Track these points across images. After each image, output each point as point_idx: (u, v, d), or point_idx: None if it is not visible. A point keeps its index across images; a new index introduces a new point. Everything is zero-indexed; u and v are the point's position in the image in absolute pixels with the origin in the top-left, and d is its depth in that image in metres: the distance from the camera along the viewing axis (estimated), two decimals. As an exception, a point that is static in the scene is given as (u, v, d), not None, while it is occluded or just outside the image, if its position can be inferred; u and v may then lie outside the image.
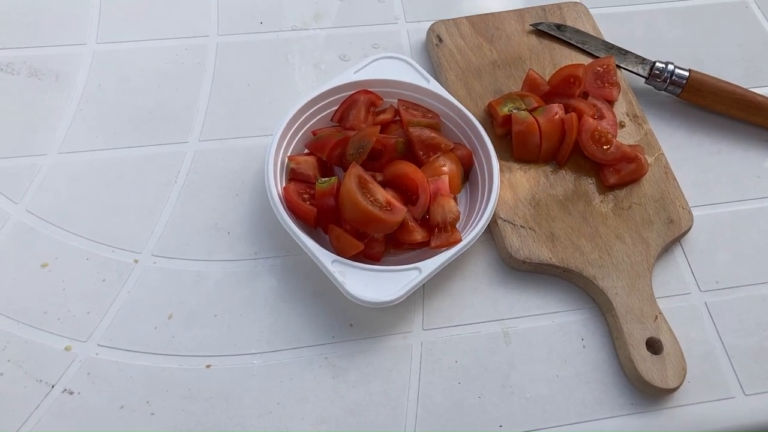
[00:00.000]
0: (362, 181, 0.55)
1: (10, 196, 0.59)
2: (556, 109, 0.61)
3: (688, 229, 0.60)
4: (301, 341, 0.54)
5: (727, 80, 0.67)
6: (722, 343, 0.56)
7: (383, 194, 0.55)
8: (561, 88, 0.64)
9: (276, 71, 0.68)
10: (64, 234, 0.57)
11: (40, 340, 0.52)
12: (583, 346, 0.55)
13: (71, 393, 0.51)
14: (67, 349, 0.52)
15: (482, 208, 0.57)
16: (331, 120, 0.63)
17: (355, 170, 0.54)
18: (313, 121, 0.62)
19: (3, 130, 0.62)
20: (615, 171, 0.60)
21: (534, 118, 0.60)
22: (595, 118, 0.62)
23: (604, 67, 0.66)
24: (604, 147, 0.60)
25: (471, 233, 0.55)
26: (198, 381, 0.52)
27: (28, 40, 0.68)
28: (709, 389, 0.54)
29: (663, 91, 0.68)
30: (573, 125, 0.60)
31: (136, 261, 0.56)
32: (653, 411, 0.53)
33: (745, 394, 0.54)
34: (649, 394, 0.53)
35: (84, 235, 0.57)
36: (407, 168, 0.57)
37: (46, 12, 0.70)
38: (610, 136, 0.60)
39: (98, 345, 0.53)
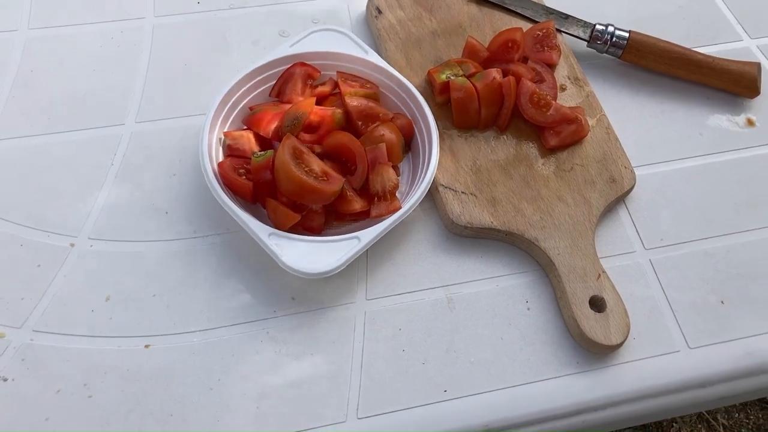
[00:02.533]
0: (297, 152, 0.54)
1: (-61, 185, 0.57)
2: (494, 74, 0.60)
3: (631, 188, 0.60)
4: (242, 317, 0.53)
5: (668, 40, 0.67)
6: (667, 298, 0.56)
7: (319, 164, 0.54)
8: (500, 54, 0.64)
9: (214, 50, 0.67)
10: (8, 223, 0.56)
11: (-28, 329, 0.51)
12: (528, 309, 0.55)
13: (5, 380, 0.49)
14: (1, 336, 0.51)
15: (422, 175, 0.57)
16: (270, 95, 0.62)
17: (289, 141, 0.54)
18: (251, 96, 0.61)
19: (-69, 119, 0.61)
20: (555, 133, 0.60)
21: (472, 83, 0.60)
22: (534, 82, 0.62)
23: (544, 31, 0.65)
24: (544, 109, 0.60)
25: (410, 201, 0.55)
26: (137, 362, 0.51)
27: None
28: (654, 345, 0.54)
29: (605, 54, 0.68)
30: (511, 89, 0.60)
31: (72, 245, 0.55)
32: (599, 369, 0.53)
33: (689, 347, 0.54)
34: (594, 351, 0.53)
35: (17, 221, 0.56)
36: (344, 138, 0.57)
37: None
38: (549, 98, 0.60)
39: (33, 331, 0.52)
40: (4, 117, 0.61)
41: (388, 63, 0.63)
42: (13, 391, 0.49)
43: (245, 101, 0.61)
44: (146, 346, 0.52)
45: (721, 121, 0.66)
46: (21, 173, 0.59)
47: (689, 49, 0.67)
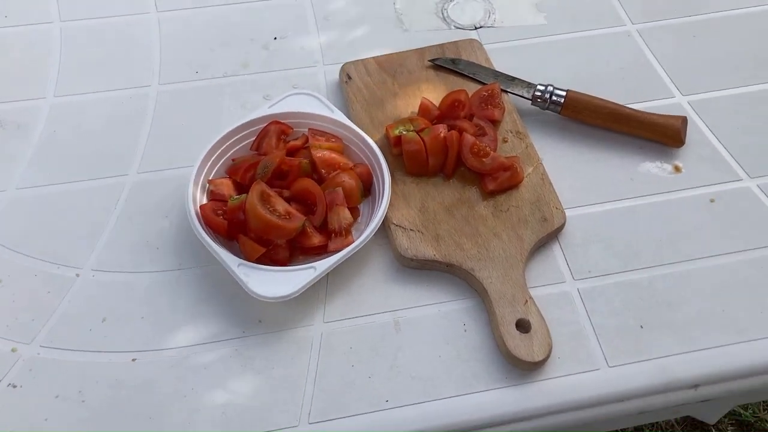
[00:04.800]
0: (264, 195, 0.64)
1: (-28, 226, 0.69)
2: (440, 129, 0.70)
3: (561, 226, 0.68)
4: (216, 337, 0.62)
5: (606, 98, 0.76)
6: (591, 322, 0.63)
7: (284, 206, 0.64)
8: (449, 112, 0.73)
9: (207, 112, 0.79)
10: (16, 255, 0.66)
11: (-10, 344, 0.61)
12: (465, 330, 0.63)
13: (14, 387, 0.59)
14: (13, 350, 0.61)
15: (374, 215, 0.66)
16: (250, 149, 0.72)
17: (258, 186, 0.64)
18: (234, 149, 0.72)
19: (-31, 172, 0.73)
20: (493, 179, 0.69)
21: (420, 137, 0.70)
22: (476, 136, 0.71)
23: (489, 92, 0.75)
24: (482, 159, 0.69)
25: (362, 236, 0.64)
26: (124, 372, 0.60)
27: (-4, 97, 0.79)
28: (576, 363, 0.61)
29: (547, 110, 0.77)
30: (454, 141, 0.69)
31: (77, 275, 0.66)
32: (526, 383, 0.60)
33: (609, 366, 0.61)
34: (520, 368, 0.60)
35: (33, 255, 0.67)
36: (307, 183, 0.66)
37: (15, 71, 0.82)
38: (487, 149, 0.69)
39: (40, 346, 0.61)
40: (29, 170, 0.73)
41: (355, 121, 0.74)
42: (21, 396, 0.58)
43: (229, 153, 0.71)
44: (133, 360, 0.61)
45: (651, 168, 0.74)
46: (39, 215, 0.70)
47: (621, 105, 0.76)
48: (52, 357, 0.61)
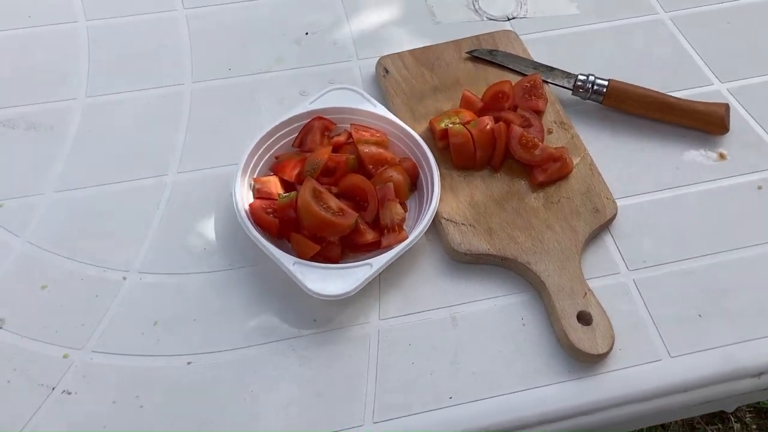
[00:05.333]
0: (316, 192, 0.63)
1: (13, 231, 0.67)
2: (487, 121, 0.69)
3: (613, 217, 0.67)
4: (271, 336, 0.61)
5: (645, 87, 0.76)
6: (649, 313, 0.63)
7: (336, 202, 0.63)
8: (492, 104, 0.73)
9: (244, 109, 0.77)
10: (61, 260, 0.65)
11: (41, 350, 0.60)
12: (523, 325, 0.62)
13: (69, 393, 0.57)
14: (65, 356, 0.59)
15: (426, 209, 0.65)
16: (293, 146, 0.71)
17: (310, 183, 0.63)
18: (277, 147, 0.70)
19: (6, 175, 0.71)
20: (543, 170, 0.68)
21: (467, 130, 0.69)
22: (523, 127, 0.70)
23: (531, 82, 0.74)
24: (532, 150, 0.68)
25: (415, 231, 0.63)
26: (180, 376, 0.59)
27: (26, 99, 0.77)
28: (638, 354, 0.60)
29: (588, 100, 0.76)
30: (502, 133, 0.68)
31: (124, 278, 0.64)
32: (588, 376, 0.59)
33: (671, 356, 0.60)
34: (582, 361, 0.59)
35: (79, 260, 0.65)
36: (357, 179, 0.65)
37: (42, 72, 0.80)
38: (536, 140, 0.69)
39: (92, 351, 0.60)
40: (66, 172, 0.71)
41: (396, 115, 0.72)
42: (76, 403, 0.57)
43: (272, 151, 0.70)
44: (188, 363, 0.59)
45: (695, 156, 0.74)
46: (79, 218, 0.68)
47: (663, 94, 0.75)
48: (106, 362, 0.59)
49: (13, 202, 0.69)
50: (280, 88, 0.79)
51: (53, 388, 0.58)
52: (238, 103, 0.78)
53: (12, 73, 0.80)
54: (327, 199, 0.62)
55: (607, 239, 0.67)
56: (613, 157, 0.73)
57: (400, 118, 0.72)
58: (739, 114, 0.77)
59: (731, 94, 0.79)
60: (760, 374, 0.60)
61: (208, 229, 0.68)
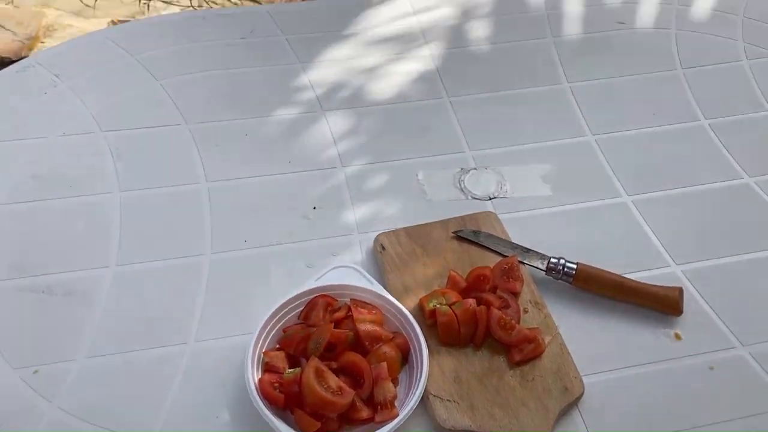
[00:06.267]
0: (319, 371, 0.71)
1: (46, 396, 0.74)
2: (470, 303, 0.79)
3: (581, 395, 0.76)
4: (273, 506, 0.67)
5: (609, 268, 0.86)
6: (613, 488, 0.70)
7: (336, 381, 0.71)
8: (475, 285, 0.83)
9: (256, 280, 0.87)
10: (87, 425, 0.72)
11: None
12: (500, 499, 0.69)
13: None
14: None
15: (415, 387, 0.73)
16: (298, 318, 0.81)
17: (313, 363, 0.71)
18: (284, 320, 0.80)
19: (42, 341, 0.79)
20: (519, 350, 0.77)
21: (452, 311, 0.79)
22: (501, 308, 0.80)
23: (509, 265, 0.85)
24: (509, 331, 0.78)
25: (405, 409, 0.71)
26: None
27: (66, 266, 0.87)
28: None
29: (560, 280, 0.87)
30: (483, 315, 0.78)
31: (142, 444, 0.71)
32: None
33: None
34: None
35: (103, 426, 0.72)
36: (355, 358, 0.74)
37: (79, 239, 0.90)
38: (513, 322, 0.78)
39: None
40: (97, 339, 0.80)
41: (390, 288, 0.83)
42: None
43: (280, 324, 0.79)
44: None
45: (656, 336, 0.83)
46: (108, 385, 0.76)
47: (625, 278, 0.86)
48: None
49: (47, 368, 0.77)
50: (289, 261, 0.89)
51: None
52: (252, 273, 0.88)
53: (55, 240, 0.90)
54: (328, 378, 0.71)
55: (575, 415, 0.76)
56: (582, 336, 0.82)
57: (394, 291, 0.82)
58: (692, 296, 0.87)
59: (685, 277, 0.89)
60: None
61: (219, 398, 0.75)
